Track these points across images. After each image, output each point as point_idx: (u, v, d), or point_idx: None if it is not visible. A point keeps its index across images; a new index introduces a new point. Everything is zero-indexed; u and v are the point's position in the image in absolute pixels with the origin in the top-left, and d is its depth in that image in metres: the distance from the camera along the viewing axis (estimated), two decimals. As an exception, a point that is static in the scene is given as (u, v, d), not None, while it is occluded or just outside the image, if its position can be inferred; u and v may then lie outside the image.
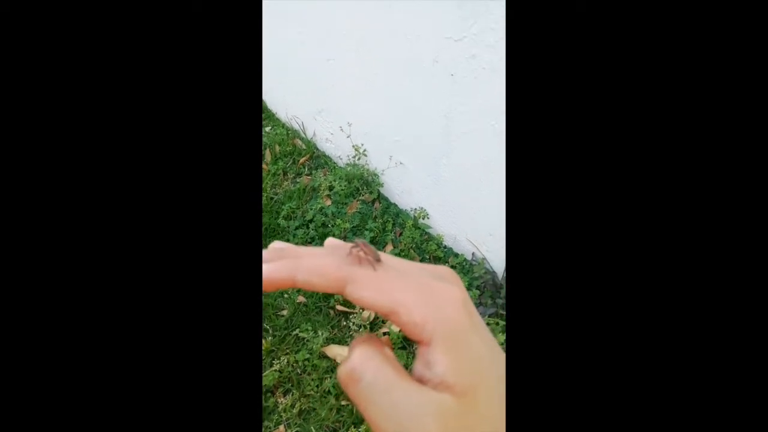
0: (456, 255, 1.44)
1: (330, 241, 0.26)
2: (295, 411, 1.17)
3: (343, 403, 1.19)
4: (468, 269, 1.38)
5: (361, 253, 0.22)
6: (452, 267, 1.40)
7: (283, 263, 0.21)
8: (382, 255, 0.23)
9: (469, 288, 1.31)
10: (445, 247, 1.48)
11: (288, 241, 1.54)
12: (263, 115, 2.15)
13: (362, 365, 0.20)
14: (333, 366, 1.25)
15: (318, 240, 1.52)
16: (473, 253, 1.40)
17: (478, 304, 1.29)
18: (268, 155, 1.91)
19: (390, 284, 0.20)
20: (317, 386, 1.20)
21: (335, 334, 1.32)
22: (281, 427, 1.15)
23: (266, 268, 0.21)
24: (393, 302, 0.20)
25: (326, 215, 1.56)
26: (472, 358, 0.20)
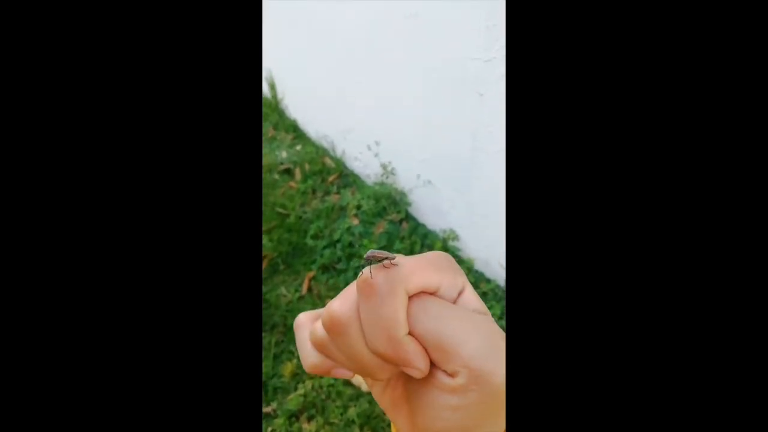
0: (488, 281, 1.38)
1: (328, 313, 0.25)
2: (318, 439, 1.14)
3: (367, 433, 1.15)
4: (501, 297, 1.31)
5: (386, 262, 0.23)
6: (483, 293, 1.34)
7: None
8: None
9: (501, 317, 1.24)
10: (476, 271, 1.42)
11: (315, 261, 1.52)
12: (294, 135, 2.17)
13: (426, 298, 0.22)
14: (357, 394, 1.21)
15: (344, 260, 1.50)
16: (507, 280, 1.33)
17: (510, 335, 1.22)
18: (297, 173, 1.92)
19: (424, 268, 0.23)
20: (341, 414, 1.18)
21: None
22: (304, 457, 1.13)
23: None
24: (437, 279, 0.23)
25: (353, 235, 1.54)
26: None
